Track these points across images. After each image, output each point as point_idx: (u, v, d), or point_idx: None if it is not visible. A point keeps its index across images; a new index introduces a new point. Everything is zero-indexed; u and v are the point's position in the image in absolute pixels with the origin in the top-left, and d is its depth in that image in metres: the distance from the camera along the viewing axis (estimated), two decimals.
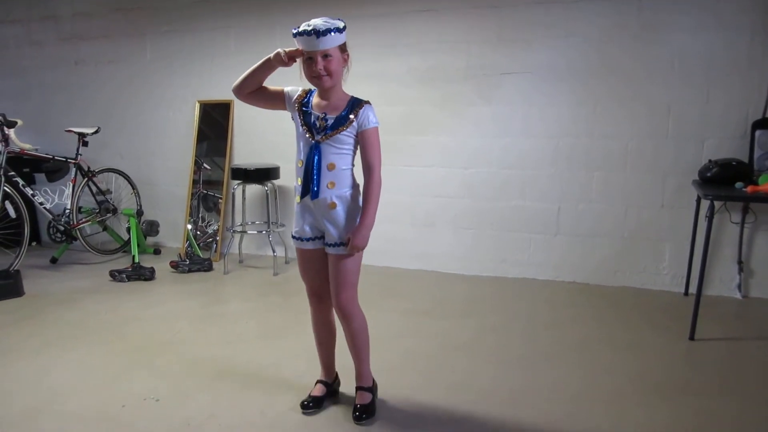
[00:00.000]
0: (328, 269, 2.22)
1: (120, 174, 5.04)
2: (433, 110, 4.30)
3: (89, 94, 5.31)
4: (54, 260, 4.66)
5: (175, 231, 5.10)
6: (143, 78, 5.11)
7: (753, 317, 3.44)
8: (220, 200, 4.91)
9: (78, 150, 4.67)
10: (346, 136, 2.13)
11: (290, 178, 4.68)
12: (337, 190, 2.14)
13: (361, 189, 2.19)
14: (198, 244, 4.71)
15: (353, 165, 2.19)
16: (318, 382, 2.41)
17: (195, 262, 4.41)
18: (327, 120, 2.12)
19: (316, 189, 2.13)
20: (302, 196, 2.18)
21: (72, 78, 5.34)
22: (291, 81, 2.27)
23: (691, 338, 3.02)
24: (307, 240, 2.22)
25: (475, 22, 4.11)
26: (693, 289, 3.59)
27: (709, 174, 3.41)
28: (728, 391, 2.48)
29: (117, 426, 2.19)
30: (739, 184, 3.19)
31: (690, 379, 2.61)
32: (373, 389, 2.35)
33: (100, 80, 5.26)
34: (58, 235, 4.61)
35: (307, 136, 2.14)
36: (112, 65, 5.21)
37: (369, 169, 2.15)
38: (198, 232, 4.88)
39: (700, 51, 3.67)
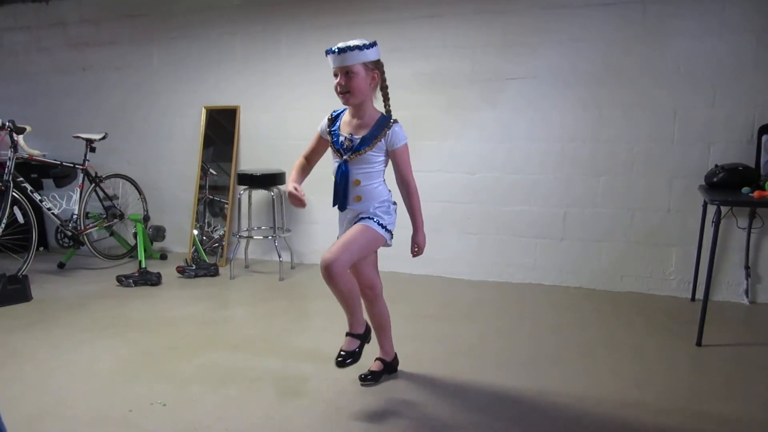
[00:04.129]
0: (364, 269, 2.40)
1: (127, 179, 5.07)
2: (439, 115, 4.31)
3: (97, 100, 5.35)
4: (61, 265, 4.69)
5: (181, 236, 5.12)
6: (150, 84, 5.15)
7: (760, 323, 3.43)
8: (226, 205, 4.93)
9: (86, 156, 4.70)
10: (373, 156, 2.26)
11: None
12: (363, 203, 2.30)
13: (390, 202, 2.37)
14: (204, 249, 4.72)
15: (383, 179, 2.35)
16: (376, 359, 2.59)
17: (201, 267, 4.43)
18: (353, 141, 2.24)
19: (344, 203, 2.31)
20: (334, 205, 2.36)
21: (79, 84, 5.39)
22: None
23: (698, 344, 3.00)
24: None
25: (480, 28, 4.12)
26: (700, 295, 3.59)
27: (715, 179, 3.40)
28: (735, 396, 2.46)
29: (124, 430, 2.20)
30: (745, 189, 3.18)
31: (697, 384, 2.60)
32: (362, 336, 2.42)
33: (108, 86, 5.30)
34: (66, 240, 4.65)
35: (335, 155, 2.30)
36: (119, 71, 5.25)
37: (406, 184, 2.35)
38: (204, 238, 4.90)
39: (706, 55, 3.66)
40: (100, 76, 5.32)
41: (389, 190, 2.41)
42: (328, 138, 2.35)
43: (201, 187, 4.98)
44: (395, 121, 2.27)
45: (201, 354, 2.92)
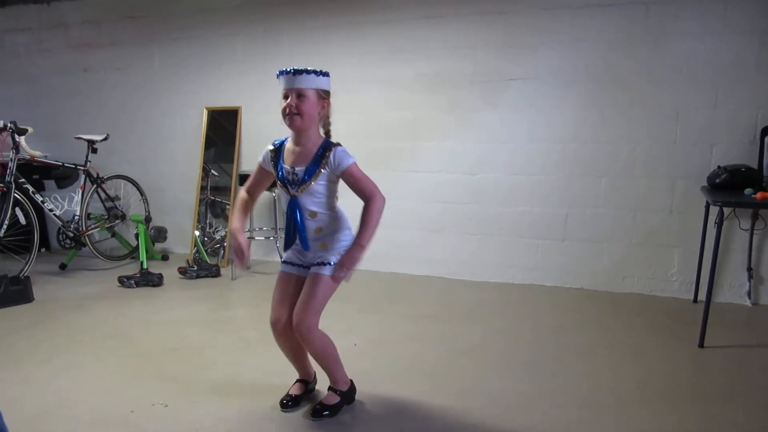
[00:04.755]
0: (294, 299, 2.21)
1: (128, 180, 5.07)
2: (440, 116, 4.30)
3: (98, 101, 5.36)
4: (63, 266, 4.69)
5: (182, 237, 5.13)
6: (151, 85, 5.15)
7: (763, 324, 3.42)
8: (227, 206, 4.92)
9: (87, 157, 4.71)
10: (320, 185, 2.16)
11: None
12: (324, 233, 2.21)
13: (348, 229, 2.24)
14: (206, 250, 4.72)
15: (336, 200, 2.24)
16: (297, 381, 2.45)
17: (203, 268, 4.43)
18: (297, 173, 2.15)
19: (306, 241, 2.18)
20: (287, 246, 2.24)
21: (81, 85, 5.39)
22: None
23: (701, 345, 3.00)
24: (292, 265, 2.28)
25: (481, 28, 4.12)
26: (702, 296, 3.58)
27: (718, 180, 3.39)
28: (737, 398, 2.46)
29: (125, 431, 2.20)
30: (748, 191, 3.18)
31: (699, 386, 2.59)
32: (345, 393, 2.35)
33: (109, 87, 5.31)
34: (68, 241, 4.64)
35: (283, 190, 2.20)
36: (120, 72, 5.26)
37: (368, 199, 2.18)
38: (206, 239, 4.90)
39: (708, 56, 3.66)
40: (101, 77, 5.33)
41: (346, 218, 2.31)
42: (272, 170, 2.23)
43: (202, 188, 4.98)
44: (338, 145, 2.17)
45: (202, 355, 2.92)
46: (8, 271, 3.90)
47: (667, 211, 3.86)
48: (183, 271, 4.40)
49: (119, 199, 5.03)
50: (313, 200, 2.17)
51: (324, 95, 2.16)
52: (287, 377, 2.62)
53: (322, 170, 2.14)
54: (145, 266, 4.31)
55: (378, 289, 4.11)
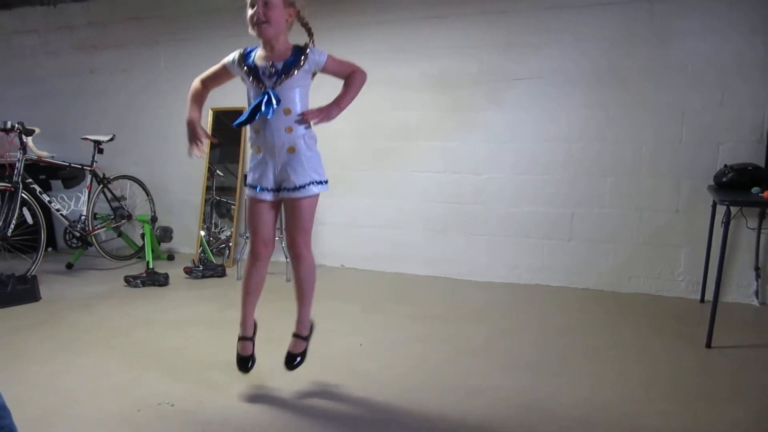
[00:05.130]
0: (276, 221, 2.36)
1: (134, 181, 5.09)
2: (444, 116, 4.30)
3: (104, 102, 5.38)
4: (69, 266, 4.72)
5: (188, 237, 5.14)
6: (157, 86, 5.17)
7: None
8: (233, 206, 4.94)
9: (93, 157, 4.73)
10: (301, 79, 2.20)
11: None
12: (294, 134, 2.23)
13: (315, 135, 2.30)
14: (211, 250, 4.73)
15: (307, 104, 2.27)
16: (243, 339, 2.51)
17: (208, 267, 4.44)
18: (276, 66, 2.19)
19: (270, 108, 2.16)
20: (238, 124, 2.25)
21: (87, 86, 5.42)
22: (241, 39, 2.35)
23: (708, 345, 2.98)
24: (267, 191, 2.29)
25: (484, 28, 4.12)
26: (709, 296, 3.57)
27: (724, 179, 3.38)
28: (745, 398, 2.44)
29: (132, 430, 2.20)
30: (755, 189, 3.16)
31: (706, 386, 2.57)
32: (308, 337, 2.52)
33: (115, 88, 5.33)
34: (74, 241, 4.67)
35: (258, 87, 2.21)
36: (126, 73, 5.28)
37: (352, 73, 2.31)
38: (211, 239, 4.91)
39: (713, 55, 3.64)
40: (107, 78, 5.35)
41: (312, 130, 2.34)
42: (239, 72, 2.28)
43: (208, 189, 4.99)
44: (307, 43, 2.26)
45: (208, 354, 2.93)
46: (15, 270, 3.93)
47: (674, 210, 3.85)
48: (189, 271, 4.42)
49: (125, 199, 5.05)
50: (291, 96, 2.20)
51: (289, 3, 2.20)
52: (292, 375, 2.62)
53: (303, 65, 2.20)
54: (151, 266, 4.32)
55: (383, 290, 4.11)
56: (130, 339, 3.15)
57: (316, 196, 2.29)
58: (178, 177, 5.21)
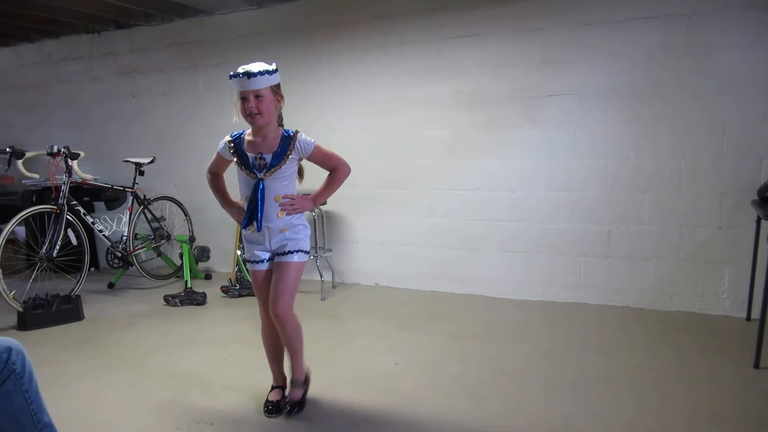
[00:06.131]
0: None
1: (173, 201, 5.21)
2: (478, 133, 4.30)
3: (145, 125, 5.55)
4: (111, 285, 4.83)
5: (225, 256, 5.22)
6: (195, 108, 5.31)
7: None
8: None
9: (135, 179, 4.86)
10: (288, 169, 2.35)
11: (337, 204, 4.75)
12: (285, 217, 2.38)
13: (302, 213, 2.46)
14: (247, 270, 4.79)
15: (296, 192, 2.43)
16: (274, 387, 2.61)
17: (245, 286, 4.50)
18: (264, 158, 2.32)
19: (261, 222, 2.35)
20: (245, 226, 2.40)
21: (129, 110, 5.60)
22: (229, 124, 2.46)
23: (756, 366, 2.88)
24: (261, 262, 2.45)
25: (518, 45, 4.11)
26: (756, 314, 3.44)
27: None
28: None
29: None
30: None
31: (754, 408, 2.48)
32: (305, 382, 2.57)
33: (155, 111, 5.49)
34: (116, 261, 4.79)
35: (249, 176, 2.36)
36: (166, 97, 5.44)
37: (335, 168, 2.44)
38: None
39: (754, 68, 3.56)
40: (148, 101, 5.52)
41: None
42: (233, 159, 2.42)
43: None
44: (297, 132, 2.37)
45: (246, 372, 2.96)
46: (60, 290, 4.04)
47: (716, 226, 3.75)
48: (225, 290, 4.48)
49: (164, 219, 5.17)
50: (279, 183, 2.35)
51: (276, 89, 2.32)
52: (327, 395, 2.63)
53: (290, 155, 2.33)
54: (189, 285, 4.40)
55: (419, 308, 4.10)
56: (170, 357, 3.21)
57: (303, 263, 2.44)
58: (215, 198, 5.30)
